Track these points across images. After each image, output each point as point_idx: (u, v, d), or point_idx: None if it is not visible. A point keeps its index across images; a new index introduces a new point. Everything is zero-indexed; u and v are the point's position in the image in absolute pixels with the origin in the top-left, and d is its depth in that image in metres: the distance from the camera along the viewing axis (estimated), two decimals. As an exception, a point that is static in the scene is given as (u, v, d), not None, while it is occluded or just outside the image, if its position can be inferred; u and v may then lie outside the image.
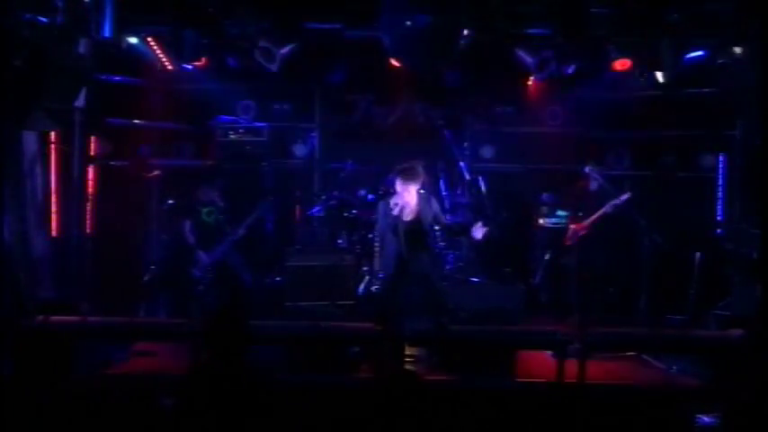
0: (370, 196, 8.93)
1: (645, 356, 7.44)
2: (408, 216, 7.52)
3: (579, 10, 7.70)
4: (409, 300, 7.60)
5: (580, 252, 8.47)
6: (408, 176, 7.43)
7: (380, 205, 7.75)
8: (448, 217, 9.02)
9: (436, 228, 7.89)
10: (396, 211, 7.44)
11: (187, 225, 8.67)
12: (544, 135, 10.02)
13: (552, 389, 6.35)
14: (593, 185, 8.62)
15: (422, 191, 7.52)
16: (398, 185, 7.49)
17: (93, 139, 9.13)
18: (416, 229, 7.49)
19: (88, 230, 8.85)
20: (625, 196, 8.30)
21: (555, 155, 9.67)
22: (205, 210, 8.71)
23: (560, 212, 9.33)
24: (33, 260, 7.61)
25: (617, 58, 8.09)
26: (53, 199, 8.20)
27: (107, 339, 7.16)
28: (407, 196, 7.45)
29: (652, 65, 7.95)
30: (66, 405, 5.73)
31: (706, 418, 5.59)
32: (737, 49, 7.80)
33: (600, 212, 8.38)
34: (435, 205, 7.66)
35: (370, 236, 8.59)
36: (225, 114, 9.72)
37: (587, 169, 8.43)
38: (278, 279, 8.94)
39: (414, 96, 10.19)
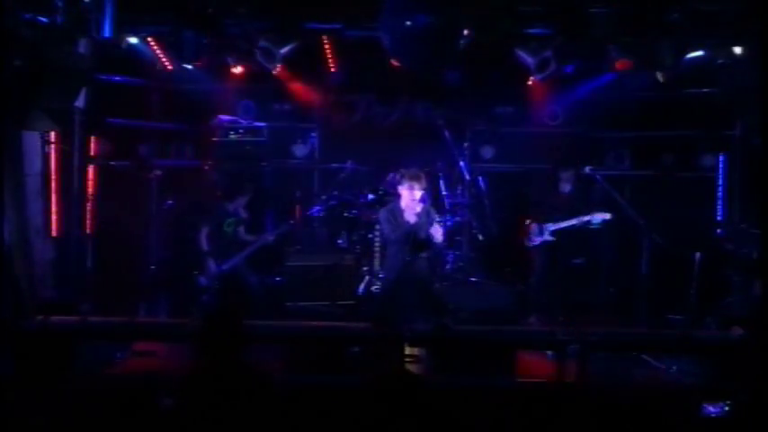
0: (370, 196, 8.93)
1: (645, 356, 7.44)
2: (412, 219, 7.55)
3: (579, 10, 7.70)
4: (408, 302, 7.63)
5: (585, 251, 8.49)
6: (415, 180, 7.51)
7: (381, 212, 7.80)
8: (448, 217, 9.06)
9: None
10: (407, 216, 7.49)
11: (205, 231, 8.60)
12: (544, 135, 10.02)
13: (552, 389, 6.35)
14: (566, 188, 8.61)
15: (423, 200, 7.57)
16: (404, 189, 7.56)
17: (93, 139, 9.14)
18: (417, 233, 7.53)
19: (88, 230, 8.85)
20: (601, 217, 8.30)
21: (555, 155, 9.67)
22: (228, 220, 8.67)
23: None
24: (33, 260, 7.62)
25: (617, 58, 8.09)
26: (53, 199, 8.21)
27: (107, 339, 7.17)
28: (411, 200, 7.50)
29: (652, 65, 7.94)
30: (66, 405, 5.73)
31: (711, 408, 5.59)
32: (737, 49, 7.80)
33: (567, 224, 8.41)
34: (433, 218, 7.69)
35: (370, 236, 8.61)
36: (225, 114, 9.72)
37: (587, 170, 8.42)
38: (278, 279, 8.94)
39: (414, 96, 10.20)
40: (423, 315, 7.51)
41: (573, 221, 8.39)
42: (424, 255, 7.71)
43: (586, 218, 8.33)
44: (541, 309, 8.39)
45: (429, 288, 7.80)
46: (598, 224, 8.36)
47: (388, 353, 6.75)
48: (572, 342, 6.51)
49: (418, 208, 7.51)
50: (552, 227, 8.47)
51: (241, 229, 8.78)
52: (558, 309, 8.38)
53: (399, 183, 7.69)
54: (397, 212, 7.63)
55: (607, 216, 8.30)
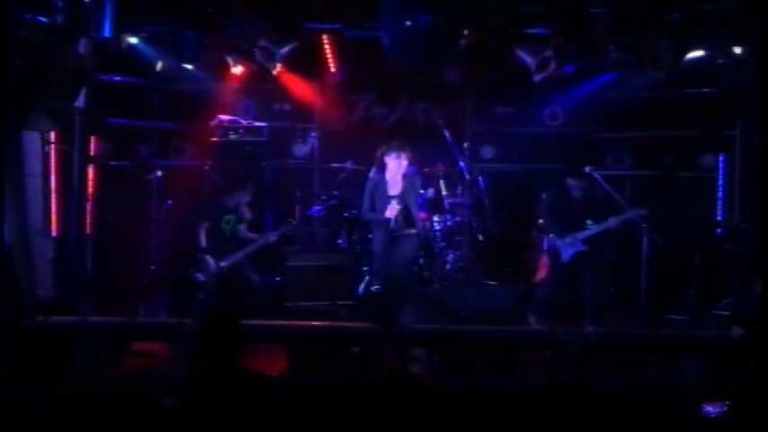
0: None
1: (645, 356, 7.43)
2: (394, 190, 7.82)
3: (579, 10, 7.70)
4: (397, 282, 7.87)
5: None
6: (401, 150, 7.83)
7: (369, 183, 8.08)
8: (448, 217, 9.07)
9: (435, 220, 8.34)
10: (392, 187, 7.82)
11: (203, 228, 8.60)
12: (544, 135, 10.02)
13: (552, 389, 6.34)
14: (577, 193, 8.22)
15: (410, 169, 7.92)
16: (391, 159, 7.85)
17: (93, 139, 9.14)
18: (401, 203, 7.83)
19: (88, 230, 8.85)
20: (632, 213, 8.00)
21: (555, 155, 9.67)
22: (226, 217, 8.65)
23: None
24: (33, 260, 7.62)
25: (617, 58, 8.09)
26: (53, 199, 8.21)
27: (107, 339, 7.17)
28: (398, 169, 7.82)
29: (652, 65, 7.94)
30: (66, 405, 5.72)
31: (711, 408, 5.58)
32: (737, 49, 7.80)
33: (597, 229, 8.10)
34: (418, 185, 8.06)
35: (370, 236, 8.61)
36: (225, 114, 9.72)
37: (587, 170, 8.40)
38: (278, 279, 8.94)
39: (414, 96, 10.20)
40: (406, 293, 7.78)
41: (609, 224, 8.00)
42: (413, 231, 7.93)
43: (625, 217, 7.98)
44: (542, 310, 8.33)
45: (411, 270, 8.07)
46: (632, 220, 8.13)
47: (388, 353, 6.75)
48: (572, 342, 6.51)
49: (400, 178, 7.82)
50: (582, 235, 8.09)
51: (242, 227, 8.75)
52: (558, 309, 8.35)
53: (386, 154, 7.91)
54: (381, 184, 7.91)
55: (643, 211, 7.98)
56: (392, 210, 7.81)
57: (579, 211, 8.25)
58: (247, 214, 8.76)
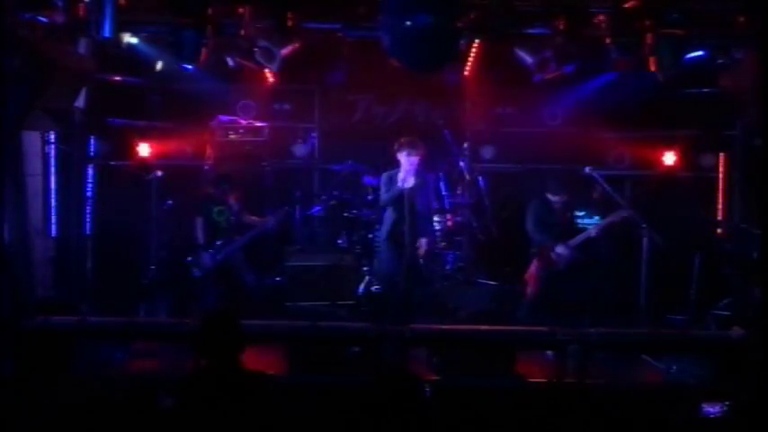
0: (369, 196, 8.94)
1: (645, 356, 7.44)
2: (408, 183, 7.92)
3: (579, 10, 7.70)
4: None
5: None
6: (411, 147, 7.95)
7: (383, 177, 8.19)
8: (448, 216, 9.06)
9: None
10: (401, 183, 7.88)
11: (199, 222, 8.67)
12: (544, 135, 10.01)
13: (552, 389, 6.34)
14: (558, 205, 8.32)
15: (419, 172, 7.95)
16: (403, 156, 7.95)
17: (93, 139, 9.14)
18: (411, 201, 7.87)
19: (88, 230, 8.85)
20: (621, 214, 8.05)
21: (555, 155, 9.67)
22: (216, 209, 8.71)
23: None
24: (33, 260, 7.62)
25: (617, 58, 8.09)
26: (53, 199, 8.22)
27: (107, 339, 7.17)
28: (409, 165, 7.91)
29: (652, 65, 7.94)
30: (66, 405, 5.73)
31: (711, 409, 5.58)
32: (737, 49, 7.80)
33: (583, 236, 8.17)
34: (430, 187, 8.23)
35: (370, 236, 8.62)
36: (225, 114, 9.72)
37: (587, 170, 8.39)
38: (278, 279, 8.94)
39: (414, 96, 10.20)
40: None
41: (594, 229, 8.11)
42: (420, 251, 7.96)
43: (608, 220, 8.07)
44: (527, 318, 8.29)
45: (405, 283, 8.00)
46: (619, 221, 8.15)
47: (388, 353, 6.75)
48: (572, 342, 6.51)
49: (412, 178, 7.88)
50: (576, 241, 8.16)
51: (234, 218, 8.80)
52: (558, 309, 8.34)
53: (398, 150, 8.01)
54: (394, 177, 8.01)
55: (625, 213, 8.03)
56: (422, 245, 7.99)
57: (565, 221, 8.28)
58: (235, 206, 8.78)
